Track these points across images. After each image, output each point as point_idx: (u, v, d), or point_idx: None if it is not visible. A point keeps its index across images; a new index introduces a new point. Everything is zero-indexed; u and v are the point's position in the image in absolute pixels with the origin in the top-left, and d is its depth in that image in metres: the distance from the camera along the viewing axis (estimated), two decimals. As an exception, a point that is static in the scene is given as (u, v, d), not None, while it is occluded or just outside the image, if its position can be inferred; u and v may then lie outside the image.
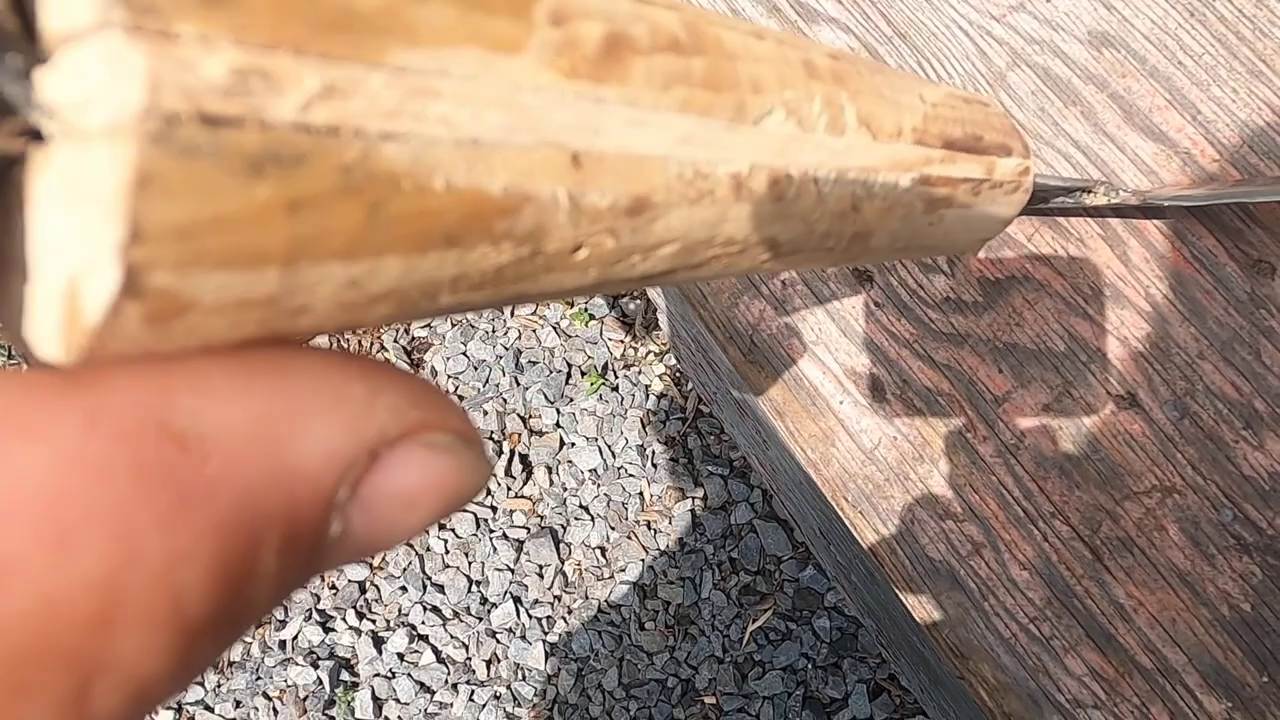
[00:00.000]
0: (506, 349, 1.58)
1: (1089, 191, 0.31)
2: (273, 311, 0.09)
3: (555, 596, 1.49)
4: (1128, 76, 0.40)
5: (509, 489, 1.54)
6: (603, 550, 1.49)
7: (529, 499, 1.53)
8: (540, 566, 1.49)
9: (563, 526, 1.51)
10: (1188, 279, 0.38)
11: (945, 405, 0.38)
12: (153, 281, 0.08)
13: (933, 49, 0.42)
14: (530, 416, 1.57)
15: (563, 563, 1.50)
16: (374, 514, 0.11)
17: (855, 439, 0.38)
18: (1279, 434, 0.36)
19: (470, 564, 1.52)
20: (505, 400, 1.57)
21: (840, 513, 0.38)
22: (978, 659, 0.36)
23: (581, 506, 1.51)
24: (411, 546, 1.54)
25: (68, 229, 0.08)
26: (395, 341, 1.65)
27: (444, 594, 1.50)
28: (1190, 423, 0.36)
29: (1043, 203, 0.27)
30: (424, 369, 1.62)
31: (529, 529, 1.52)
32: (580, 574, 1.49)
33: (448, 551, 1.53)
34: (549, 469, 1.54)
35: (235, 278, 0.09)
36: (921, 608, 0.36)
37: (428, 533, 1.55)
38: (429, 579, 1.52)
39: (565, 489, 1.53)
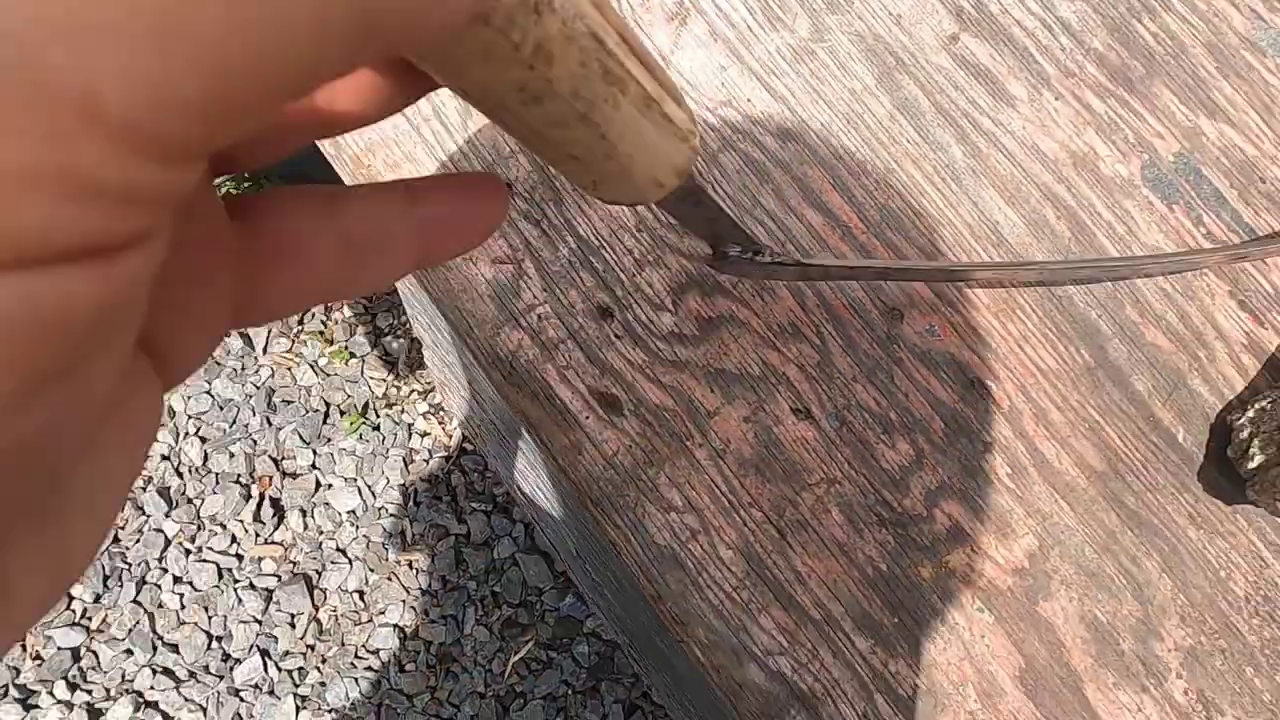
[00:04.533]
0: (257, 387, 1.51)
1: (759, 253, 0.41)
2: None
3: (309, 646, 1.42)
4: (805, 164, 0.52)
5: (257, 535, 1.45)
6: (361, 594, 1.45)
7: (280, 544, 1.46)
8: (292, 616, 1.42)
9: (317, 572, 1.45)
10: (845, 321, 0.49)
11: (670, 419, 0.46)
12: None
13: (662, 129, 0.51)
14: (283, 458, 1.50)
15: (317, 610, 1.44)
16: None
17: (598, 448, 0.45)
18: (905, 437, 0.48)
19: (210, 618, 1.41)
20: (255, 441, 1.49)
21: (587, 512, 0.45)
22: (693, 624, 0.44)
23: (338, 549, 1.47)
24: (140, 604, 1.40)
25: None
26: (125, 379, 1.51)
27: (178, 653, 1.38)
28: (846, 430, 0.48)
29: (696, 204, 0.31)
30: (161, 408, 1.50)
31: (279, 576, 1.44)
32: (336, 620, 1.44)
33: (183, 607, 1.40)
34: (303, 512, 1.47)
35: None
36: (650, 586, 0.44)
37: (159, 587, 1.42)
38: (160, 638, 1.38)
39: (321, 532, 1.47)
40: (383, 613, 1.45)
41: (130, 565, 1.41)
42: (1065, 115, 0.56)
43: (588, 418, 0.46)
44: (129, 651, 1.37)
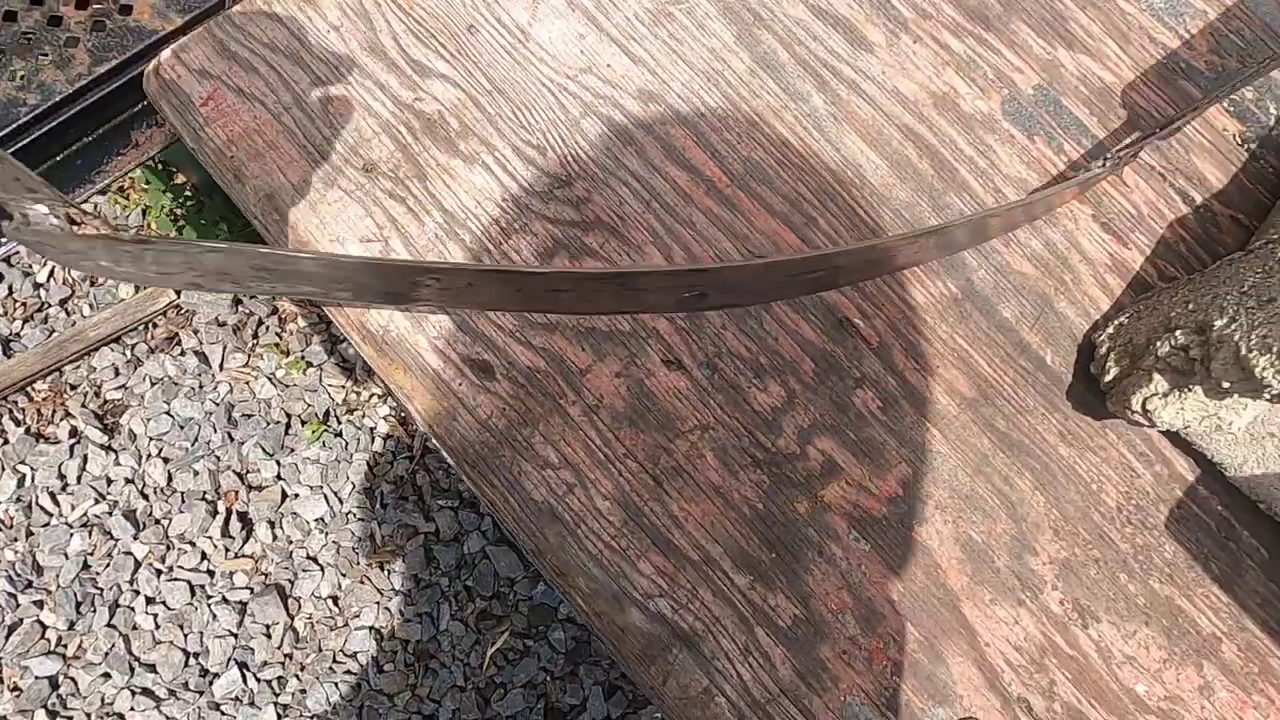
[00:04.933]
0: (216, 404, 1.51)
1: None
2: None
3: (286, 655, 1.43)
4: (668, 124, 0.53)
5: (227, 550, 1.46)
6: (335, 599, 1.46)
7: (251, 558, 1.47)
8: (267, 626, 1.43)
9: (290, 581, 1.46)
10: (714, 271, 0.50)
11: (542, 380, 0.48)
12: None
13: (524, 101, 0.52)
14: (248, 472, 1.50)
15: (292, 619, 1.45)
16: None
17: (472, 413, 0.46)
18: (777, 380, 0.49)
19: (186, 636, 1.41)
20: (218, 458, 1.50)
21: (463, 475, 0.46)
22: (573, 575, 0.45)
23: (309, 557, 1.47)
24: (114, 628, 1.41)
25: None
26: (84, 407, 1.51)
27: (156, 673, 1.39)
28: (718, 376, 0.49)
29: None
30: (120, 434, 1.50)
31: (252, 589, 1.45)
32: (312, 627, 1.45)
33: (158, 627, 1.41)
34: (271, 524, 1.48)
35: None
36: (530, 540, 0.45)
37: (132, 609, 1.43)
38: (137, 659, 1.39)
39: (291, 542, 1.48)
40: (358, 616, 1.46)
41: (102, 590, 1.42)
42: (924, 57, 0.57)
43: (460, 384, 0.47)
44: (106, 675, 1.38)
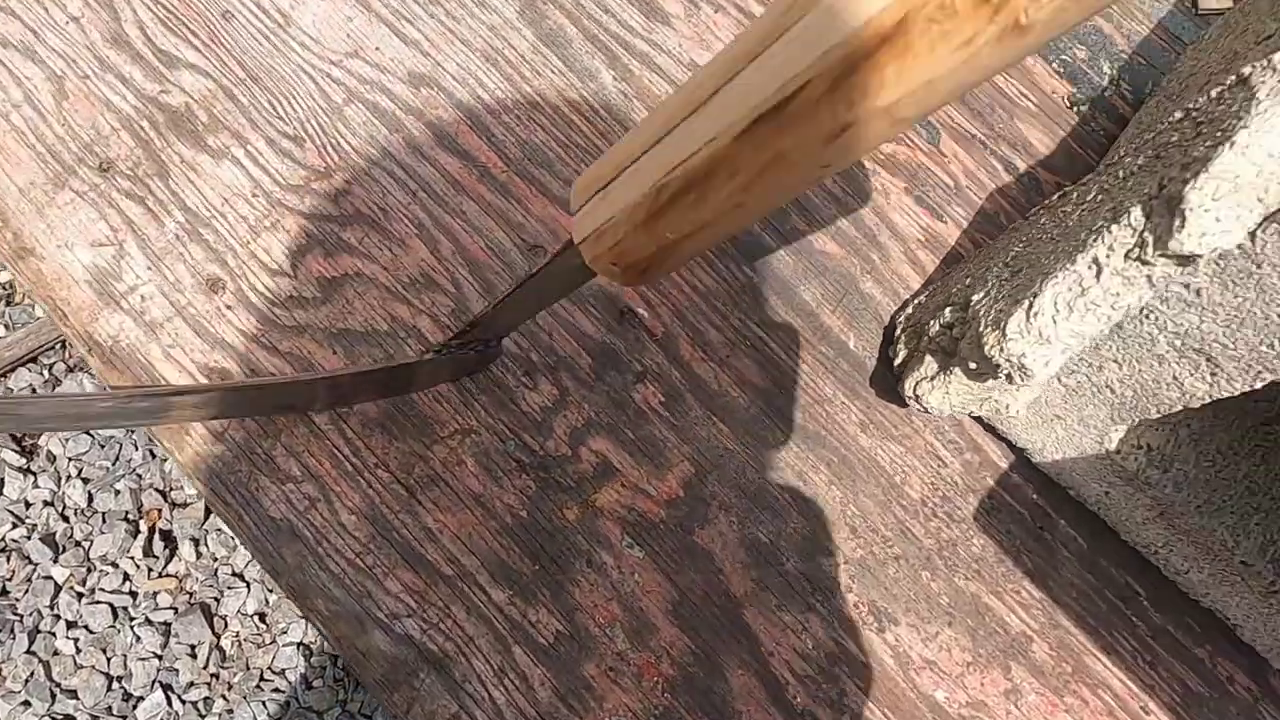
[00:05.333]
0: (137, 421, 1.48)
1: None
2: None
3: (212, 675, 1.40)
4: (439, 108, 0.50)
5: (150, 570, 1.43)
6: (261, 616, 1.42)
7: (174, 576, 1.43)
8: (192, 646, 1.40)
9: (215, 599, 1.43)
10: (483, 264, 0.47)
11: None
12: None
13: (281, 90, 0.49)
14: (170, 489, 1.47)
15: (218, 638, 1.41)
16: None
17: (206, 425, 0.43)
18: (549, 378, 0.46)
19: (109, 660, 1.38)
20: (140, 476, 1.47)
21: (197, 491, 0.42)
22: (313, 596, 0.41)
23: (235, 574, 1.44)
24: (34, 654, 1.38)
25: None
26: None
27: (78, 698, 1.35)
28: (484, 376, 0.45)
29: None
30: (39, 455, 1.47)
31: (176, 608, 1.42)
32: (239, 645, 1.42)
33: (79, 651, 1.38)
34: (195, 541, 1.45)
35: None
36: (267, 561, 0.42)
37: (53, 634, 1.40)
38: (58, 685, 1.36)
39: (216, 559, 1.45)
40: (285, 632, 1.43)
41: (21, 616, 1.39)
42: (726, 27, 0.54)
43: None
44: (26, 703, 1.35)
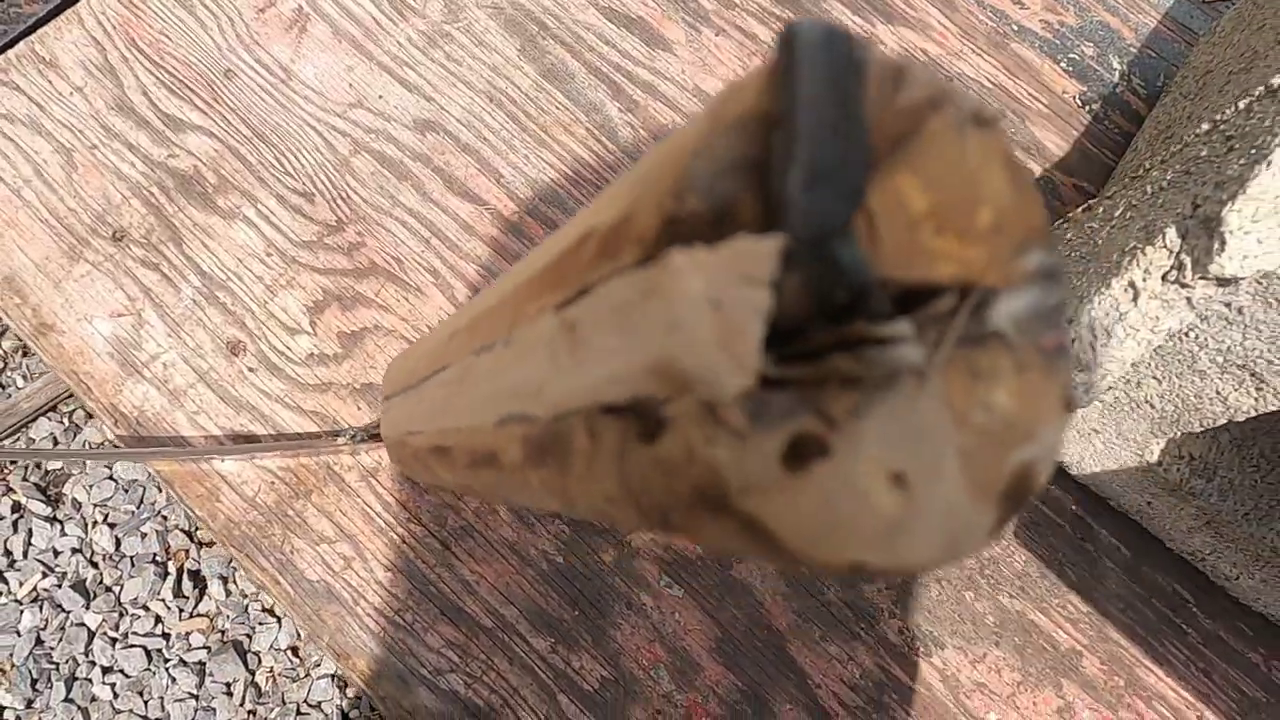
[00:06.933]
0: (159, 463, 1.49)
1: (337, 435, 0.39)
2: None
3: (250, 712, 1.40)
4: (446, 153, 0.49)
5: (181, 611, 1.44)
6: (294, 650, 1.43)
7: (205, 616, 1.44)
8: (228, 684, 1.41)
9: (248, 636, 1.44)
10: (501, 308, 0.47)
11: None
12: None
13: (287, 145, 0.49)
14: (195, 529, 1.48)
15: (252, 674, 1.42)
16: None
17: (237, 490, 0.43)
18: (575, 418, 0.45)
19: (147, 703, 1.39)
20: (165, 517, 1.47)
21: (232, 557, 0.42)
22: (356, 657, 0.41)
23: (265, 610, 1.45)
24: (72, 701, 1.39)
25: None
26: (25, 480, 1.49)
27: (118, 743, 1.36)
28: (509, 422, 0.45)
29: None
30: (64, 504, 1.48)
31: (210, 648, 1.42)
32: (274, 680, 1.42)
33: (116, 696, 1.39)
34: (223, 579, 1.45)
35: None
36: (305, 625, 0.41)
37: (89, 681, 1.40)
38: (98, 732, 1.37)
39: (245, 595, 1.45)
40: (318, 665, 1.43)
41: (57, 664, 1.40)
42: (729, 50, 0.53)
43: (224, 460, 0.43)
44: (68, 751, 1.35)
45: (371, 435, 0.41)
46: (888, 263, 0.13)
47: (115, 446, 0.39)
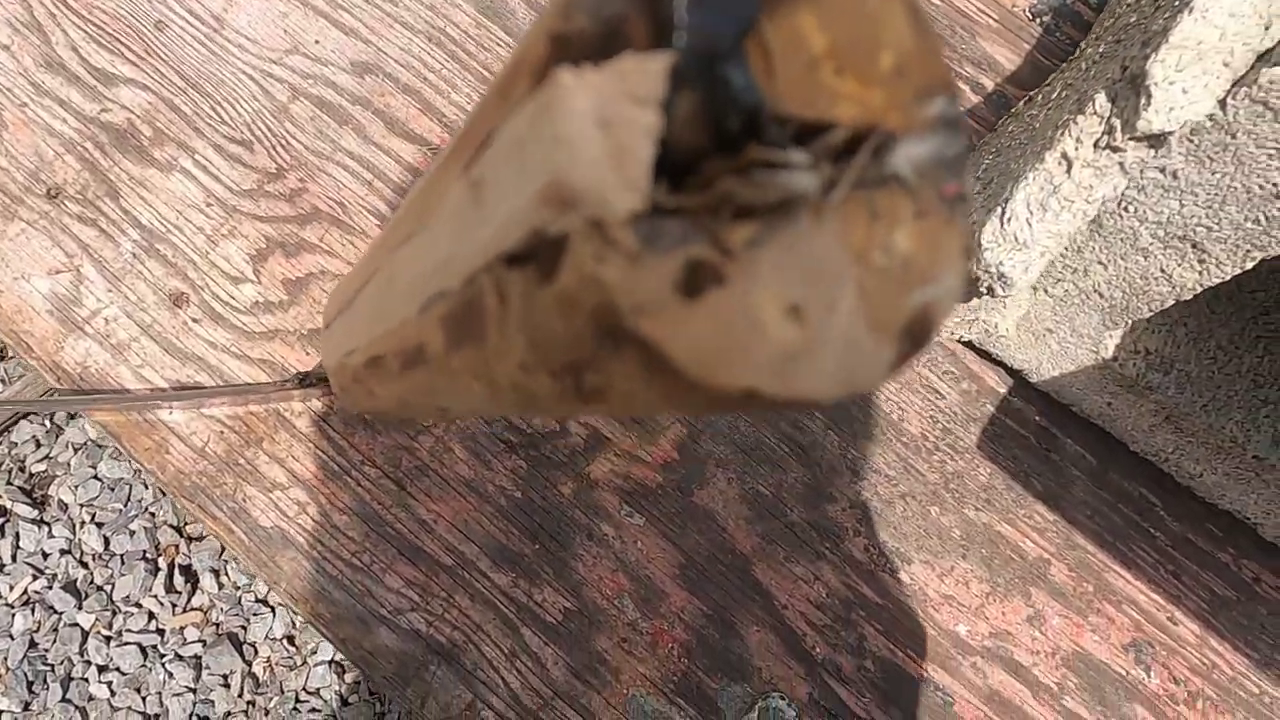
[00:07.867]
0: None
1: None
2: None
3: (249, 702, 1.40)
4: (387, 95, 0.48)
5: (174, 606, 1.43)
6: (290, 639, 1.43)
7: (199, 609, 1.43)
8: (225, 676, 1.40)
9: (243, 627, 1.43)
10: (449, 248, 0.46)
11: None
12: None
13: (223, 94, 0.48)
14: (185, 523, 1.47)
15: (249, 665, 1.42)
16: None
17: (186, 441, 0.42)
18: (529, 354, 0.45)
19: (144, 699, 1.39)
20: (153, 514, 1.47)
21: (183, 509, 0.41)
22: (314, 601, 0.41)
23: (259, 600, 1.44)
24: (69, 702, 1.38)
25: None
26: (9, 483, 1.48)
27: (118, 741, 1.36)
28: (461, 361, 0.44)
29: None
30: (50, 505, 1.47)
31: (205, 641, 1.42)
32: (271, 670, 1.42)
33: (114, 694, 1.38)
34: (215, 572, 1.45)
35: None
36: (262, 572, 0.41)
37: (85, 680, 1.40)
38: (97, 730, 1.36)
39: (238, 587, 1.45)
40: (315, 652, 1.43)
41: (53, 666, 1.39)
42: (671, -21, 0.52)
43: (172, 412, 0.42)
44: (68, 751, 1.35)
45: (320, 379, 0.41)
46: (786, 99, 0.13)
47: (57, 396, 0.38)
